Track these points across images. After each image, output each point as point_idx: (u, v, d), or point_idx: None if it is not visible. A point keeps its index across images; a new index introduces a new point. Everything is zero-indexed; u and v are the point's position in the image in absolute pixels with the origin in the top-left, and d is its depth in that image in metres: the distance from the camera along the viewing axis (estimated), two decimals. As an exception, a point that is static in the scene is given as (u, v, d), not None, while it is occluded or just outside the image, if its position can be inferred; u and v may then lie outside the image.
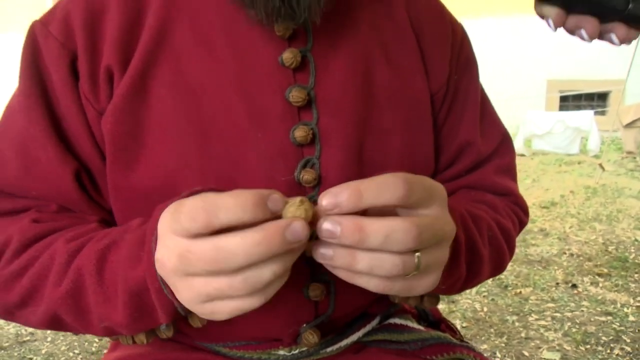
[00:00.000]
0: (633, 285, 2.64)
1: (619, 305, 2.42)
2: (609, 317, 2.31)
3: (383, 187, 0.35)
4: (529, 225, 3.69)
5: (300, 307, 0.53)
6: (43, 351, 2.22)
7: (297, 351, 0.56)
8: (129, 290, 0.42)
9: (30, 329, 2.38)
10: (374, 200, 0.35)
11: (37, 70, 0.52)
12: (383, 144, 0.55)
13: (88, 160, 0.52)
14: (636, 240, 3.34)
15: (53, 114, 0.51)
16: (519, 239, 3.10)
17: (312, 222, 0.35)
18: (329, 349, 0.57)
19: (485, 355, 0.66)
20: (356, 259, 0.35)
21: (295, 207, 0.35)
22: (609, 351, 2.03)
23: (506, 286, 2.67)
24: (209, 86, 0.50)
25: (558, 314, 2.36)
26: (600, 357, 2.00)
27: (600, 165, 4.95)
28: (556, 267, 2.92)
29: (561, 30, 0.43)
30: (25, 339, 2.33)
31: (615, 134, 6.59)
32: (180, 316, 0.43)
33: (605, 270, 2.84)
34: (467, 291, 2.60)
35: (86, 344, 2.26)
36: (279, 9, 0.47)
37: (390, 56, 0.57)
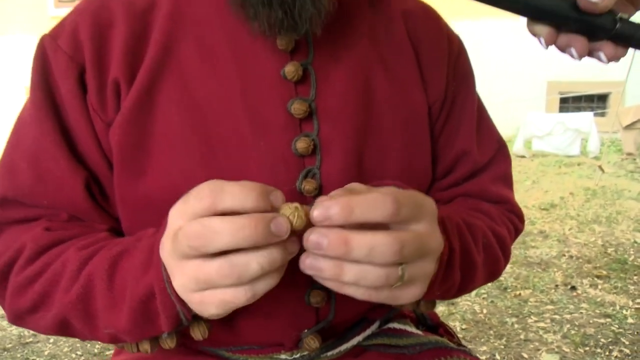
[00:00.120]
0: (632, 287, 2.65)
1: (617, 307, 2.44)
2: (608, 319, 2.32)
3: (373, 205, 0.37)
4: (529, 227, 3.70)
5: (302, 313, 0.54)
6: (46, 352, 2.23)
7: (298, 355, 0.57)
8: (136, 296, 0.43)
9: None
10: (363, 216, 0.36)
11: (46, 83, 0.53)
12: (382, 153, 0.56)
13: (97, 170, 0.54)
14: (635, 242, 3.35)
15: (63, 125, 0.53)
16: (518, 241, 3.11)
17: (306, 228, 0.38)
18: (329, 353, 0.59)
19: (484, 357, 0.68)
20: (343, 270, 0.37)
21: (289, 212, 0.37)
22: (607, 353, 2.05)
23: (505, 288, 2.68)
24: (213, 99, 0.52)
25: (557, 316, 2.37)
26: (599, 359, 2.01)
27: (600, 167, 4.96)
28: (555, 269, 2.93)
29: (552, 47, 0.44)
30: (28, 340, 2.34)
31: (615, 135, 6.59)
32: (182, 326, 0.45)
33: (605, 272, 2.85)
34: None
35: (88, 345, 2.27)
36: (281, 21, 0.49)
37: (389, 67, 0.59)
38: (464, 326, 2.30)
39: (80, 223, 0.54)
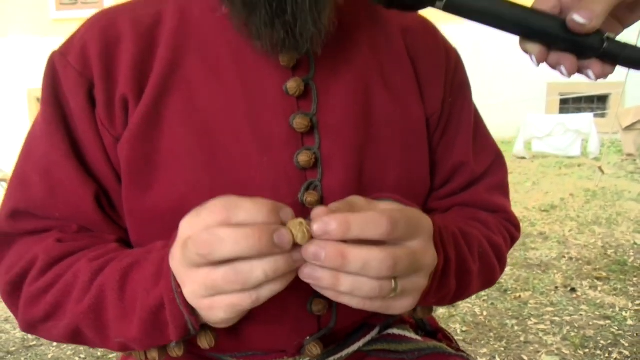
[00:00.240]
0: (632, 289, 2.66)
1: (617, 309, 2.45)
2: (608, 321, 2.33)
3: (369, 224, 0.39)
4: (529, 229, 3.71)
5: (304, 320, 0.56)
6: (49, 356, 2.25)
7: (300, 361, 0.59)
8: (147, 307, 0.45)
9: (36, 334, 2.41)
10: (359, 234, 0.39)
11: (56, 98, 0.55)
12: (381, 165, 0.58)
13: (106, 182, 0.55)
14: (635, 243, 3.36)
15: (72, 139, 0.54)
16: (518, 243, 3.12)
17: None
18: (330, 359, 0.61)
19: (484, 359, 0.69)
20: (339, 281, 0.40)
21: (293, 226, 0.39)
22: (607, 355, 2.06)
23: (506, 290, 2.70)
24: (218, 114, 0.54)
25: (557, 318, 2.39)
26: (598, 360, 2.03)
27: (600, 169, 4.97)
28: (555, 271, 2.95)
29: (544, 65, 0.46)
30: (31, 343, 2.36)
31: (615, 136, 6.60)
32: (190, 335, 0.47)
33: (604, 274, 2.86)
34: (467, 295, 2.62)
35: (92, 348, 2.29)
36: (283, 41, 0.51)
37: (388, 80, 0.61)
38: (464, 328, 2.31)
39: (90, 234, 0.56)
